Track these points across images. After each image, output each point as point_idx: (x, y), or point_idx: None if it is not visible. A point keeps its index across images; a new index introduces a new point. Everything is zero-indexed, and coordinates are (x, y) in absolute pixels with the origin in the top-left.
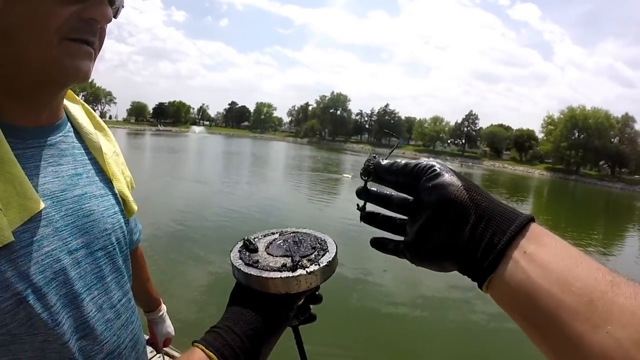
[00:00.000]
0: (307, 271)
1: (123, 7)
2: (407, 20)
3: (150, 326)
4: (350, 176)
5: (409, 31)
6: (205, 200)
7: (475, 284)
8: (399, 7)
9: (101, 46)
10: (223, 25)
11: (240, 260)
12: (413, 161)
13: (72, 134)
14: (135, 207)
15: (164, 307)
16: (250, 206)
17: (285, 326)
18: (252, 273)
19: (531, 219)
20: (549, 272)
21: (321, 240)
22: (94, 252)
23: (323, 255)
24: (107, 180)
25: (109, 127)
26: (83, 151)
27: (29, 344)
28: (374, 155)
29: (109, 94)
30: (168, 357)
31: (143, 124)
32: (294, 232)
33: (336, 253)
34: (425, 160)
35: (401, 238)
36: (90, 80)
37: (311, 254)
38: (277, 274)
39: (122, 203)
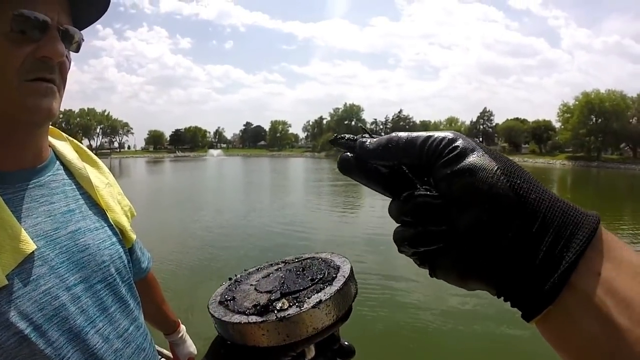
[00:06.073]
0: (277, 316)
1: (83, 41)
2: (408, 23)
3: (171, 348)
4: None
5: (412, 34)
6: (227, 223)
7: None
8: (398, 11)
9: (64, 81)
10: (228, 47)
11: (218, 297)
12: (419, 134)
13: (61, 171)
14: (133, 236)
15: (183, 328)
16: (274, 223)
17: None
18: (214, 314)
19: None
20: (633, 310)
21: (334, 266)
22: (93, 285)
23: (319, 291)
24: (101, 213)
25: (127, 157)
26: (74, 187)
27: None
28: (354, 137)
29: (126, 124)
30: None
31: (161, 152)
32: (307, 259)
33: (342, 287)
34: (437, 133)
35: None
36: (106, 113)
37: (304, 288)
38: (237, 318)
39: (119, 233)
